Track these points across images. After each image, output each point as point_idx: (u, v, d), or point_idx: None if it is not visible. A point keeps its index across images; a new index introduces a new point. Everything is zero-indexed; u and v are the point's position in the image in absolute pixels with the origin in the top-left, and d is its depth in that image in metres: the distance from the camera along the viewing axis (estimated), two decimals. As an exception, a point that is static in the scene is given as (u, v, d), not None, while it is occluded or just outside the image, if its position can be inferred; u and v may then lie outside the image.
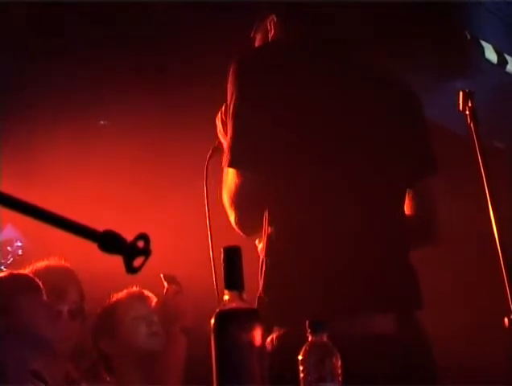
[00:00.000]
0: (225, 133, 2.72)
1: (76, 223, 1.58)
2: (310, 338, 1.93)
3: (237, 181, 2.52)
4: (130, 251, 1.59)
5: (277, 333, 2.44)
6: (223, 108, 2.80)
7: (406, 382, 2.35)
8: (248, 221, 2.59)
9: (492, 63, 4.26)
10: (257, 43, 2.87)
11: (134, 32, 4.48)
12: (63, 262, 3.62)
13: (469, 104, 2.87)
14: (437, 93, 4.18)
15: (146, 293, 3.88)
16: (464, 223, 4.02)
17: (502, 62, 4.35)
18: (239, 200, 2.54)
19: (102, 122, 5.07)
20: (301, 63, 2.63)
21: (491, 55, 4.27)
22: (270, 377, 2.33)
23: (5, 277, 3.29)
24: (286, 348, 2.24)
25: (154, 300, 3.86)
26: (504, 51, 4.31)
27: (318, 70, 2.64)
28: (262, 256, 2.55)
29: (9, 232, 4.45)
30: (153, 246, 1.62)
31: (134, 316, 3.75)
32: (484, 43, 4.21)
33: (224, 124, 2.78)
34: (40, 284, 3.21)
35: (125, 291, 3.86)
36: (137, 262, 1.60)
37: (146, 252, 1.60)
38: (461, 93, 2.90)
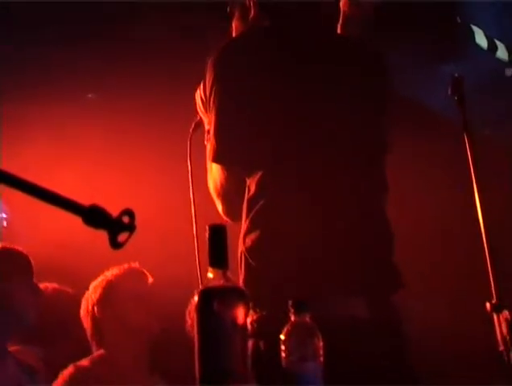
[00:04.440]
0: (206, 111, 2.77)
1: (62, 197, 1.58)
2: (293, 319, 1.94)
3: (222, 175, 2.60)
4: (114, 226, 1.59)
5: (254, 316, 2.44)
6: (201, 85, 2.82)
7: (380, 366, 2.39)
8: (235, 211, 2.63)
9: (482, 49, 4.27)
10: (235, 22, 2.87)
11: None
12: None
13: (459, 90, 2.87)
14: (426, 76, 4.18)
15: (145, 271, 3.80)
16: (450, 207, 4.04)
17: (492, 48, 4.35)
18: (225, 193, 2.62)
19: (90, 96, 4.96)
20: (279, 49, 2.64)
21: (481, 40, 4.27)
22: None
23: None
24: (265, 331, 2.29)
25: (151, 279, 3.78)
26: (494, 37, 4.31)
27: (295, 55, 2.65)
28: (240, 249, 2.55)
29: (-4, 205, 4.41)
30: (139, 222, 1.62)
31: (135, 294, 3.68)
32: (475, 28, 4.22)
33: (203, 101, 2.80)
34: (32, 264, 3.24)
35: (126, 266, 3.77)
36: (121, 238, 1.60)
37: (130, 227, 1.60)
38: (452, 78, 2.89)
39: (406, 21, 3.98)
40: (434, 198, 4.07)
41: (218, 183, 2.62)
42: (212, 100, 2.58)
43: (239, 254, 2.54)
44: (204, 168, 2.73)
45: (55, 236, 4.31)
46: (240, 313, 1.78)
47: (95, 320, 3.67)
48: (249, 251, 2.51)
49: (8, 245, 3.37)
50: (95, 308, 3.67)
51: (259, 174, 2.54)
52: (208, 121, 2.70)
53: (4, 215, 4.43)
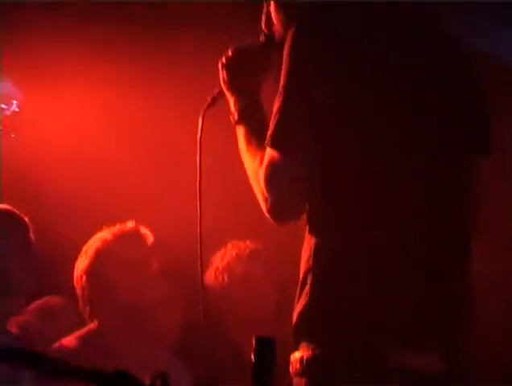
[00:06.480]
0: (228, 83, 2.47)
1: (85, 370, 1.26)
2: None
3: (280, 162, 2.21)
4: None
5: (310, 352, 2.14)
6: (229, 52, 2.48)
7: None
8: (285, 207, 2.28)
9: None
10: None
11: None
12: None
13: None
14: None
15: (143, 229, 3.29)
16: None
17: None
18: (280, 183, 2.23)
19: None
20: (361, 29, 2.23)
21: None
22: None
23: None
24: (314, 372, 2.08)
25: (151, 239, 3.29)
26: None
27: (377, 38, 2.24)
28: (304, 269, 2.22)
29: (6, 87, 3.99)
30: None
31: (123, 259, 3.21)
32: None
33: (228, 70, 2.47)
34: (27, 222, 3.10)
35: (118, 228, 3.28)
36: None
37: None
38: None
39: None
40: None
41: (273, 172, 2.23)
42: (285, 77, 2.19)
43: (303, 274, 2.21)
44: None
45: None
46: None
47: (83, 291, 3.24)
48: (323, 274, 2.18)
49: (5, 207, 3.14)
50: (83, 277, 3.23)
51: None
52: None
53: (15, 102, 3.99)
